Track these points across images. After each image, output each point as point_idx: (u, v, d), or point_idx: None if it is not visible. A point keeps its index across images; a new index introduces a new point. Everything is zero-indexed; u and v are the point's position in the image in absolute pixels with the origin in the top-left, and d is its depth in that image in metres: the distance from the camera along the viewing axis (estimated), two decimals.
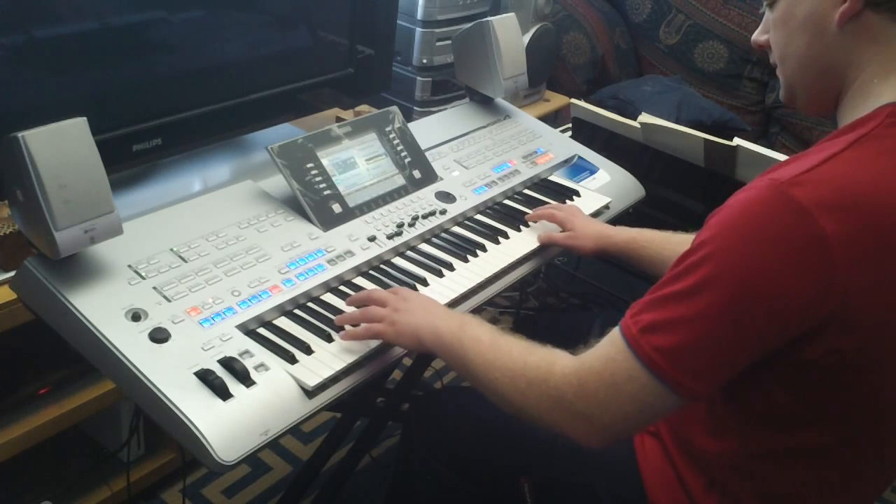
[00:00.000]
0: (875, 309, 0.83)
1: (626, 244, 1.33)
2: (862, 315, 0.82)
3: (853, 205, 0.80)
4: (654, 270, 1.29)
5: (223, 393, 0.93)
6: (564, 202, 1.51)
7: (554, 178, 1.61)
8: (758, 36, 0.99)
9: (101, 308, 0.98)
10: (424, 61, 2.11)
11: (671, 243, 1.29)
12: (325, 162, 1.30)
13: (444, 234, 1.35)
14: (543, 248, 1.38)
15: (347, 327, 1.08)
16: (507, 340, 0.99)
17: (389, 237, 1.28)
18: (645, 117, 1.74)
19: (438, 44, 2.10)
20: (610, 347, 0.89)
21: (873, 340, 0.84)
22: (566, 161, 1.67)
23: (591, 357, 0.91)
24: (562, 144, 1.71)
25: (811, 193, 0.80)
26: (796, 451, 0.94)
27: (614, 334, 0.89)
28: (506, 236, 1.37)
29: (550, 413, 0.92)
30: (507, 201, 1.49)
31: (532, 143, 1.67)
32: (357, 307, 1.11)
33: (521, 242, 1.37)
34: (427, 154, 1.47)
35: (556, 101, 2.47)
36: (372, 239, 1.26)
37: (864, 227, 0.80)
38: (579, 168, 1.66)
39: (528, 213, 1.43)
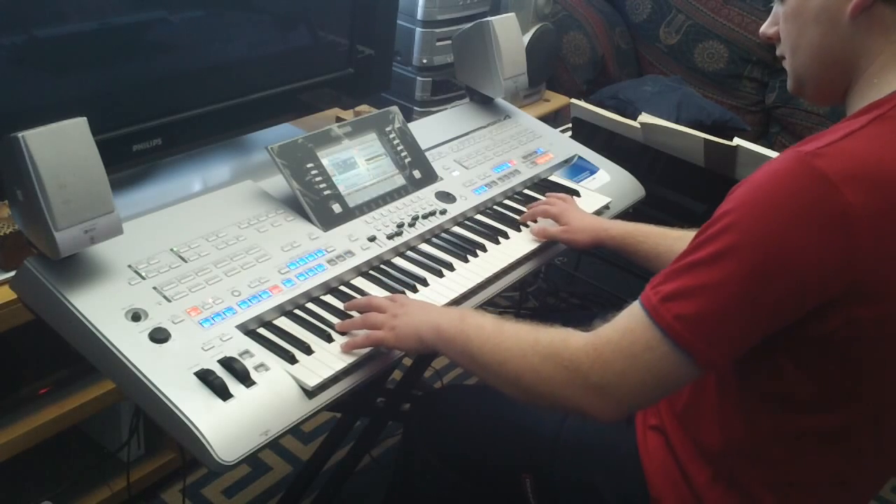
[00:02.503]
0: (894, 280, 0.83)
1: (623, 238, 1.33)
2: (882, 286, 0.83)
3: (875, 177, 0.82)
4: (650, 265, 1.30)
5: (223, 393, 0.93)
6: None
7: (554, 178, 1.61)
8: (766, 28, 1.00)
9: (101, 308, 0.98)
10: (424, 61, 2.11)
11: (668, 238, 1.29)
12: (325, 162, 1.30)
13: (444, 234, 1.35)
14: (543, 248, 1.38)
15: (351, 332, 1.08)
16: (511, 324, 1.00)
17: (389, 237, 1.28)
18: (645, 117, 1.74)
19: (438, 44, 2.10)
20: (629, 318, 0.90)
21: (891, 313, 0.85)
22: (566, 161, 1.67)
23: (609, 329, 0.91)
24: (562, 144, 1.71)
25: (835, 164, 0.81)
26: (802, 434, 0.95)
27: (633, 306, 0.90)
28: (506, 236, 1.37)
29: (564, 387, 0.92)
30: (507, 201, 1.49)
31: (532, 143, 1.67)
32: (357, 312, 1.11)
33: (521, 242, 1.37)
34: (427, 154, 1.47)
35: (556, 101, 2.47)
36: (372, 239, 1.26)
37: (885, 198, 0.82)
38: (579, 168, 1.66)
39: (523, 214, 1.43)
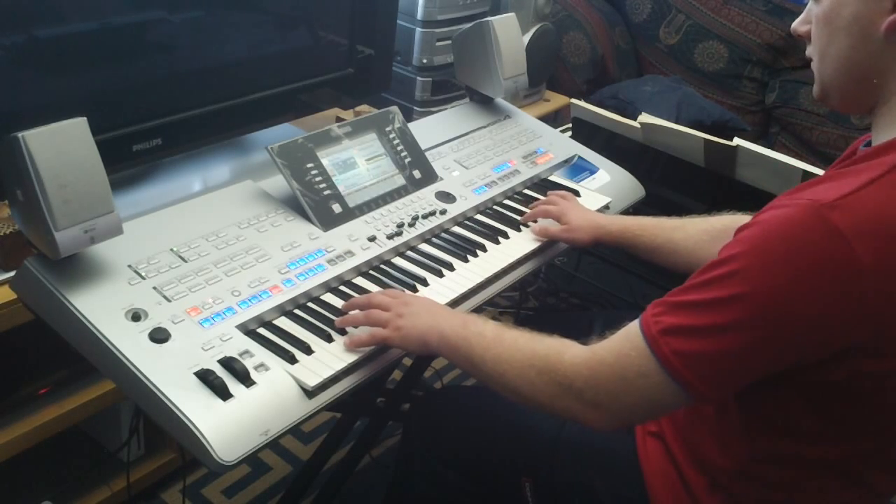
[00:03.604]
0: None
1: (621, 233, 1.34)
2: (893, 343, 0.82)
3: (891, 233, 0.79)
4: (650, 257, 1.32)
5: (223, 393, 0.93)
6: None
7: (554, 178, 1.61)
8: (798, 25, 0.96)
9: (101, 308, 0.98)
10: (424, 61, 2.11)
11: (665, 229, 1.30)
12: (325, 162, 1.30)
13: (444, 234, 1.35)
14: (543, 248, 1.38)
15: (350, 330, 1.08)
16: (512, 333, 1.00)
17: (389, 237, 1.28)
18: (645, 117, 1.74)
19: (438, 44, 2.10)
20: (625, 342, 0.89)
21: None
22: (566, 161, 1.67)
23: (604, 349, 0.91)
24: (562, 144, 1.71)
25: (850, 219, 0.78)
26: (803, 461, 0.94)
27: (631, 330, 0.89)
28: (506, 236, 1.37)
29: (560, 400, 0.93)
30: (507, 201, 1.49)
31: (532, 143, 1.67)
32: (357, 310, 1.10)
33: (521, 242, 1.37)
34: (427, 154, 1.47)
35: (556, 101, 2.47)
36: (372, 239, 1.26)
37: None
38: (579, 168, 1.66)
39: (524, 215, 1.43)
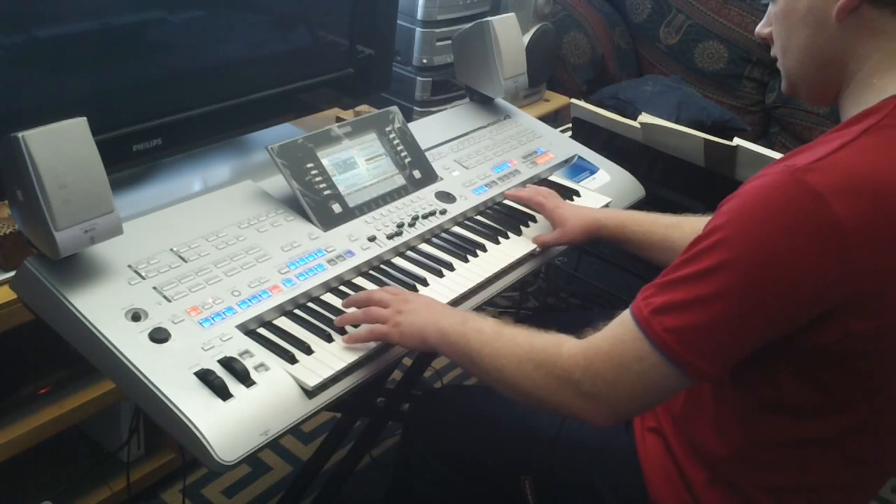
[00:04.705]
0: (891, 293, 0.83)
1: (616, 228, 1.34)
2: (877, 300, 0.83)
3: (867, 191, 0.81)
4: (644, 253, 1.32)
5: (223, 393, 0.93)
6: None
7: (554, 178, 1.61)
8: (761, 28, 1.00)
9: (101, 308, 0.98)
10: (424, 61, 2.11)
11: (660, 226, 1.31)
12: (325, 162, 1.30)
13: (444, 234, 1.35)
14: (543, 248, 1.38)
15: (350, 328, 1.08)
16: (510, 329, 1.00)
17: (389, 237, 1.28)
18: (645, 117, 1.74)
19: (438, 44, 2.10)
20: (619, 329, 0.90)
21: (888, 325, 0.85)
22: (566, 161, 1.67)
23: (599, 338, 0.92)
24: (562, 144, 1.71)
25: (826, 179, 0.81)
26: (800, 440, 0.95)
27: (624, 316, 0.90)
28: (506, 236, 1.37)
29: (557, 394, 0.93)
30: (507, 201, 1.49)
31: (532, 143, 1.67)
32: (356, 308, 1.11)
33: (521, 242, 1.37)
34: (427, 154, 1.47)
35: (556, 101, 2.47)
36: (372, 239, 1.26)
37: (878, 212, 0.81)
38: (579, 168, 1.66)
39: (508, 191, 1.44)
